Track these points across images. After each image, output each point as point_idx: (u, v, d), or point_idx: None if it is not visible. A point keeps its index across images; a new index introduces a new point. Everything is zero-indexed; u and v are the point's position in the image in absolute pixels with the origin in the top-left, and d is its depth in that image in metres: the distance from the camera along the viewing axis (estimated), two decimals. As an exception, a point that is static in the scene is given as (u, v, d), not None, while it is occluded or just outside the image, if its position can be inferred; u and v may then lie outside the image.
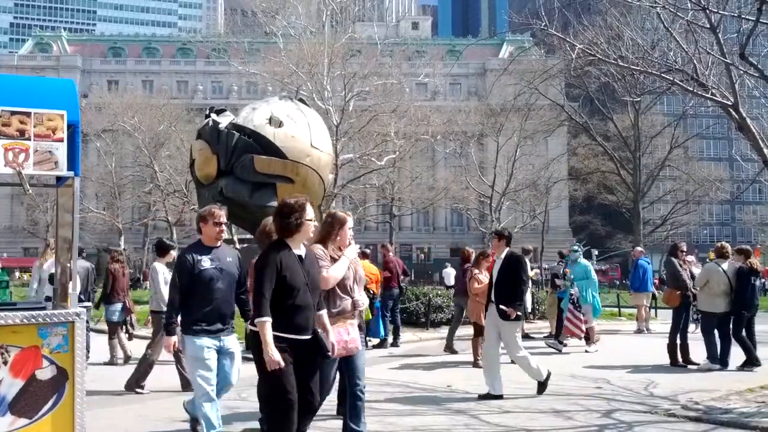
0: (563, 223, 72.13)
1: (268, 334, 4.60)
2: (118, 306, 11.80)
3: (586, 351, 12.57)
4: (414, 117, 44.23)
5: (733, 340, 10.62)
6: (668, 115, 52.13)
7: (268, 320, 4.62)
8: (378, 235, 61.42)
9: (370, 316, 8.11)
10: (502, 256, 8.52)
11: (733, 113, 10.11)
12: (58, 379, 4.02)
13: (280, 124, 18.86)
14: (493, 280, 8.57)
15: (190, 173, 21.80)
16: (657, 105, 49.34)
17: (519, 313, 8.32)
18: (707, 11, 10.21)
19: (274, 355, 4.56)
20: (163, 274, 8.99)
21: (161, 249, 9.40)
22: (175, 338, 5.69)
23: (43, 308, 4.31)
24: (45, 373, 4.00)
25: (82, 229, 49.66)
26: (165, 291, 8.58)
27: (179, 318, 5.75)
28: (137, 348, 11.26)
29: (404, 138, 42.88)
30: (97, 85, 74.52)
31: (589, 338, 12.90)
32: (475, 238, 62.73)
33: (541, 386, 8.44)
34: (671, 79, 11.70)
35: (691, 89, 11.17)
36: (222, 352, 5.71)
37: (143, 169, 53.60)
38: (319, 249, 5.59)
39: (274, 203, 18.61)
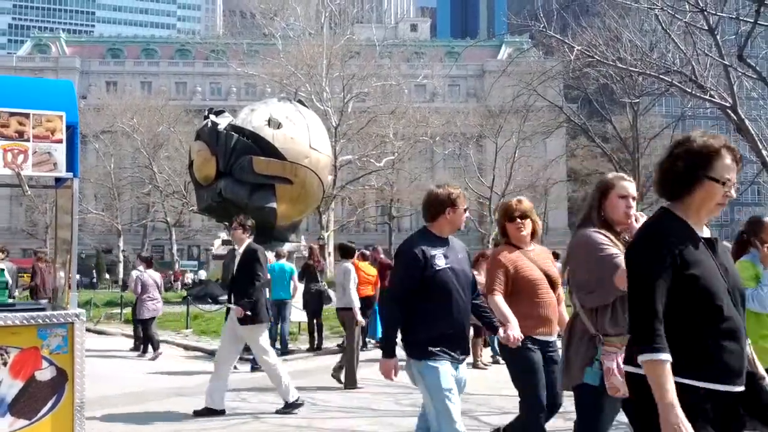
0: (562, 225, 72.09)
1: (669, 382, 2.43)
2: (44, 303, 12.15)
3: None
4: (413, 118, 44.32)
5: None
6: (667, 117, 52.19)
7: (667, 359, 2.45)
8: (377, 237, 61.44)
9: None
10: (241, 250, 7.65)
11: (732, 115, 10.14)
12: (57, 380, 4.02)
13: (278, 126, 18.89)
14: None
15: (189, 174, 21.83)
16: (655, 106, 49.36)
17: (249, 312, 7.31)
18: (705, 13, 10.24)
19: (686, 425, 2.38)
20: (352, 274, 9.43)
21: (348, 251, 9.89)
22: (394, 361, 4.39)
23: (43, 309, 4.31)
24: (44, 374, 4.00)
25: (81, 231, 49.69)
26: (354, 291, 9.27)
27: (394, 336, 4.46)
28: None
29: (403, 139, 42.97)
30: (96, 86, 74.45)
31: None
32: (475, 239, 62.75)
33: (287, 407, 7.37)
34: (670, 80, 11.76)
35: (690, 91, 11.21)
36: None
37: (142, 171, 53.65)
38: (596, 234, 3.81)
39: (273, 204, 18.67)
